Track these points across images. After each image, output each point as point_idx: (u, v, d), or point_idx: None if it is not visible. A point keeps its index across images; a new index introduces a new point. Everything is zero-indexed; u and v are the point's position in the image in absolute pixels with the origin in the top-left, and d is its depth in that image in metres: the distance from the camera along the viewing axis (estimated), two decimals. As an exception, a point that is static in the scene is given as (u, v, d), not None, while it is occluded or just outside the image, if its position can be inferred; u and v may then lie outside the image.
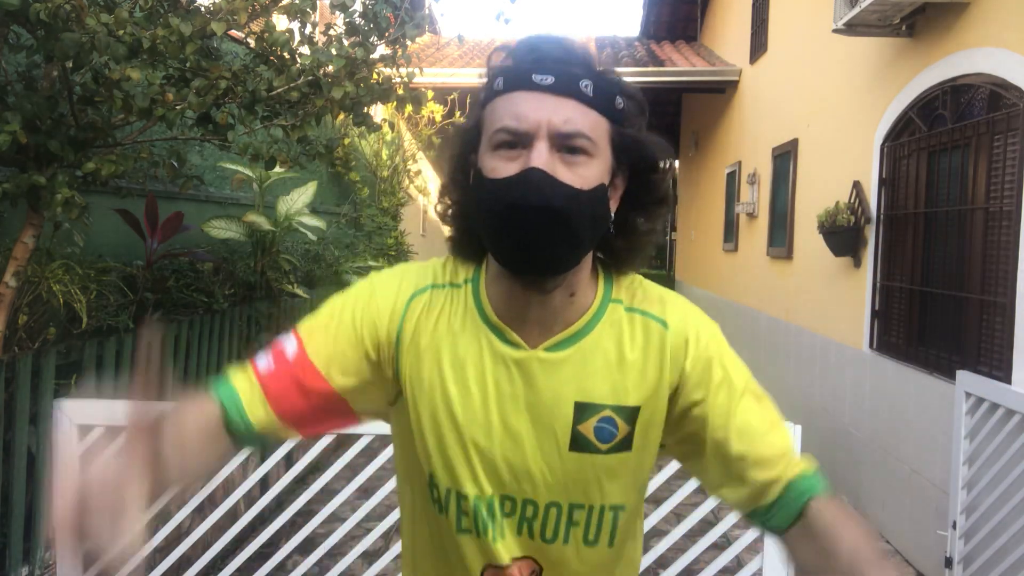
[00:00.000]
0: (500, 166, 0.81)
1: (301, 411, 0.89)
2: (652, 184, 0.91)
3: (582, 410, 0.89)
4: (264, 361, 0.89)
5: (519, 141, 0.81)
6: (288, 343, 0.90)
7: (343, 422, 0.96)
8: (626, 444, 0.91)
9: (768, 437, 0.90)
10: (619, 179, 0.89)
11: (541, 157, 0.79)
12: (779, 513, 0.89)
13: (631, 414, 0.90)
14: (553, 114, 0.80)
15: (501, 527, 0.91)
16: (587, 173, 0.82)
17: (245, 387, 0.87)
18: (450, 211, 0.94)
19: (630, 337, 0.91)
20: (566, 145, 0.81)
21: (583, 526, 0.92)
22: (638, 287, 0.96)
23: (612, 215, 0.88)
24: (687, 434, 0.93)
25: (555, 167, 0.80)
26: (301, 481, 3.19)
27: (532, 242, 0.80)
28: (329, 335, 0.90)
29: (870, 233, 4.29)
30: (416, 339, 0.90)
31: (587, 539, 0.93)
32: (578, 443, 0.89)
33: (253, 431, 0.87)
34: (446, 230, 0.97)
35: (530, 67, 0.82)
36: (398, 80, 2.82)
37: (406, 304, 0.92)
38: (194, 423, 0.84)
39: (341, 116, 2.69)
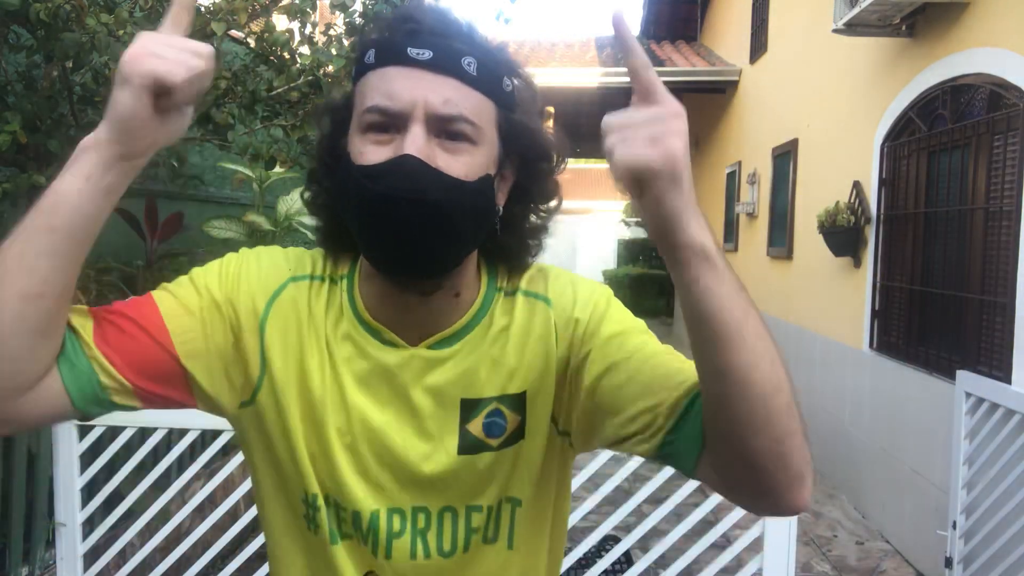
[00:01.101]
0: (369, 151, 0.71)
1: (131, 351, 0.73)
2: (542, 176, 0.82)
3: (469, 408, 0.81)
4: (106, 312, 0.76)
5: (391, 123, 0.71)
6: (140, 300, 0.77)
7: (178, 395, 0.78)
8: (518, 434, 0.83)
9: (656, 360, 0.76)
10: (508, 170, 0.80)
11: (416, 142, 0.70)
12: (682, 438, 0.72)
13: (518, 402, 0.82)
14: (430, 93, 0.70)
15: (388, 543, 0.81)
16: (470, 161, 0.72)
17: (85, 339, 0.73)
18: (319, 199, 0.83)
19: (513, 321, 0.83)
20: (445, 130, 0.71)
21: (482, 530, 0.84)
22: (528, 272, 0.87)
23: (500, 209, 0.79)
24: (584, 400, 0.80)
25: (433, 154, 0.70)
26: (301, 481, 3.18)
27: (405, 240, 0.71)
28: (185, 303, 0.77)
29: (870, 233, 4.29)
30: (285, 332, 0.79)
31: (485, 538, 0.84)
32: (467, 444, 0.81)
33: (97, 393, 0.72)
34: (312, 220, 0.86)
35: (405, 39, 0.72)
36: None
37: (281, 287, 0.80)
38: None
39: (341, 116, 2.68)
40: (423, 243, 0.71)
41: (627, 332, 0.81)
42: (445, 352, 0.81)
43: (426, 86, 0.71)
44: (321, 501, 0.81)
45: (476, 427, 0.82)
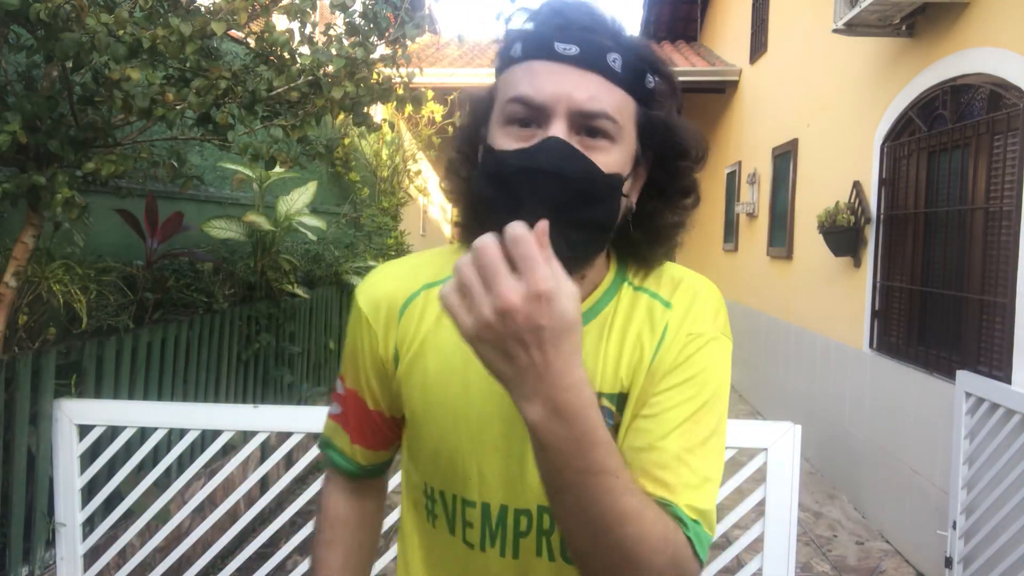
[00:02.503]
0: (510, 143, 0.72)
1: (386, 436, 0.94)
2: (678, 173, 0.82)
3: None
4: (333, 407, 0.96)
5: (534, 118, 0.72)
6: (338, 384, 0.95)
7: None
8: (615, 435, 0.81)
9: (682, 453, 0.75)
10: (642, 167, 0.80)
11: (559, 132, 0.70)
12: None
13: (622, 401, 0.81)
14: (575, 89, 0.70)
15: (503, 541, 0.83)
16: (607, 160, 0.72)
17: (337, 438, 0.95)
18: (458, 189, 0.84)
19: (635, 318, 0.83)
20: (587, 126, 0.71)
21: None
22: (659, 269, 0.87)
23: (633, 207, 0.80)
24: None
25: (574, 145, 0.71)
26: (301, 481, 3.19)
27: (539, 210, 0.68)
28: (355, 368, 0.91)
29: (870, 233, 4.29)
30: (413, 346, 0.85)
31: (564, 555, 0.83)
32: None
33: (366, 466, 0.96)
34: (451, 216, 0.90)
35: (553, 34, 0.72)
36: (398, 80, 2.82)
37: (399, 316, 0.86)
38: (338, 512, 0.97)
39: (341, 116, 2.69)
40: (555, 216, 0.67)
41: (692, 395, 0.78)
42: None
43: (572, 81, 0.71)
44: (439, 500, 0.87)
45: None
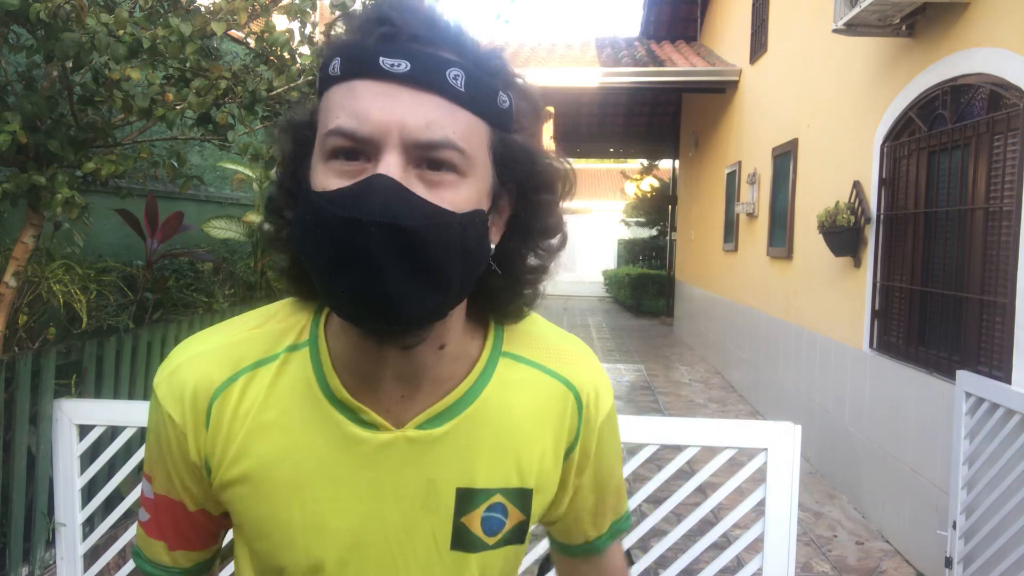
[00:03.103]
0: (333, 181, 0.59)
1: (211, 531, 0.79)
2: (541, 208, 0.69)
3: (466, 498, 0.71)
4: (142, 513, 0.79)
5: (361, 150, 0.59)
6: (145, 487, 0.78)
7: None
8: (518, 534, 0.75)
9: (617, 504, 0.87)
10: (504, 201, 0.68)
11: (391, 170, 0.57)
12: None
13: (525, 498, 0.73)
14: (409, 115, 0.58)
15: None
16: (456, 197, 0.60)
17: (149, 549, 0.78)
18: (281, 233, 0.69)
19: (525, 399, 0.73)
20: (427, 158, 0.59)
21: None
22: (533, 333, 0.77)
23: (492, 247, 0.67)
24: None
25: (411, 185, 0.58)
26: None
27: (375, 278, 0.57)
28: (165, 471, 0.75)
29: (870, 233, 4.29)
30: (230, 449, 0.70)
31: None
32: (461, 540, 0.72)
33: (191, 568, 0.80)
34: (280, 260, 0.73)
35: (378, 46, 0.59)
36: (398, 80, 2.81)
37: (207, 411, 0.70)
38: None
39: (341, 116, 2.69)
40: (395, 281, 0.57)
41: (604, 475, 0.84)
42: (438, 431, 0.70)
43: (403, 105, 0.58)
44: None
45: (473, 521, 0.72)
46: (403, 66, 0.58)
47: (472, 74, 0.61)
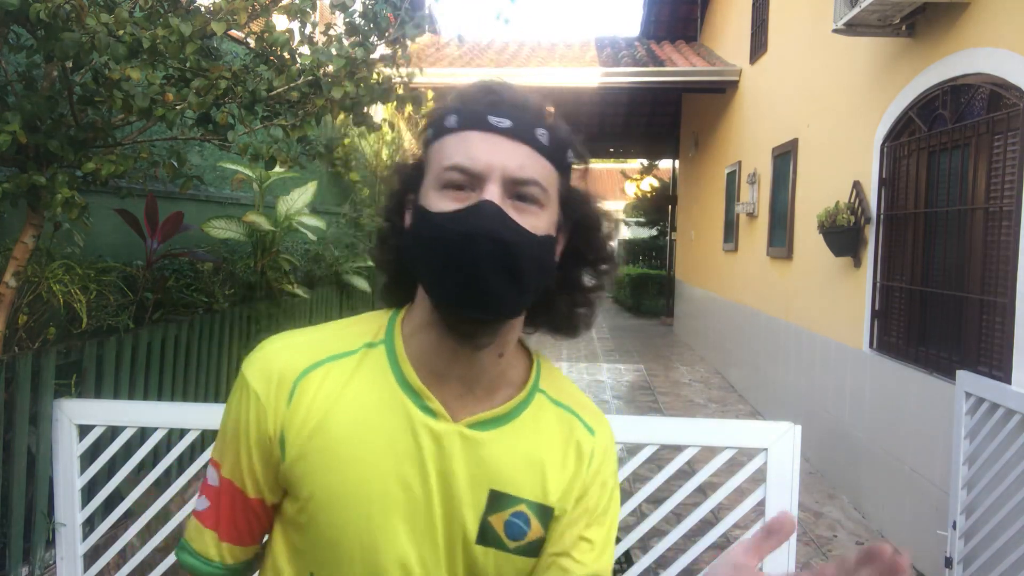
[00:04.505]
0: (446, 205, 0.75)
1: (262, 526, 0.87)
2: (597, 243, 0.88)
3: (496, 500, 0.82)
4: (200, 502, 0.87)
5: (469, 183, 0.75)
6: (210, 473, 0.87)
7: None
8: (535, 548, 0.84)
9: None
10: (562, 234, 0.85)
11: (493, 197, 0.74)
12: None
13: (546, 514, 0.83)
14: (508, 159, 0.75)
15: None
16: (537, 223, 0.77)
17: (199, 540, 0.86)
18: (386, 256, 0.88)
19: (556, 433, 0.86)
20: (518, 192, 0.76)
21: None
22: (561, 381, 0.92)
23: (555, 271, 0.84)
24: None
25: (506, 210, 0.75)
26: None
27: (480, 277, 0.73)
28: (235, 452, 0.84)
29: (870, 233, 4.29)
30: (308, 424, 0.81)
31: None
32: (486, 536, 0.81)
33: (233, 566, 0.87)
34: (381, 279, 0.91)
35: (486, 109, 0.78)
36: (398, 80, 2.82)
37: (291, 390, 0.81)
38: None
39: (341, 116, 2.69)
40: (495, 282, 0.74)
41: (603, 533, 0.87)
42: (485, 435, 0.82)
43: (504, 151, 0.76)
44: None
45: (498, 522, 0.82)
46: (505, 123, 0.77)
47: (553, 134, 0.80)
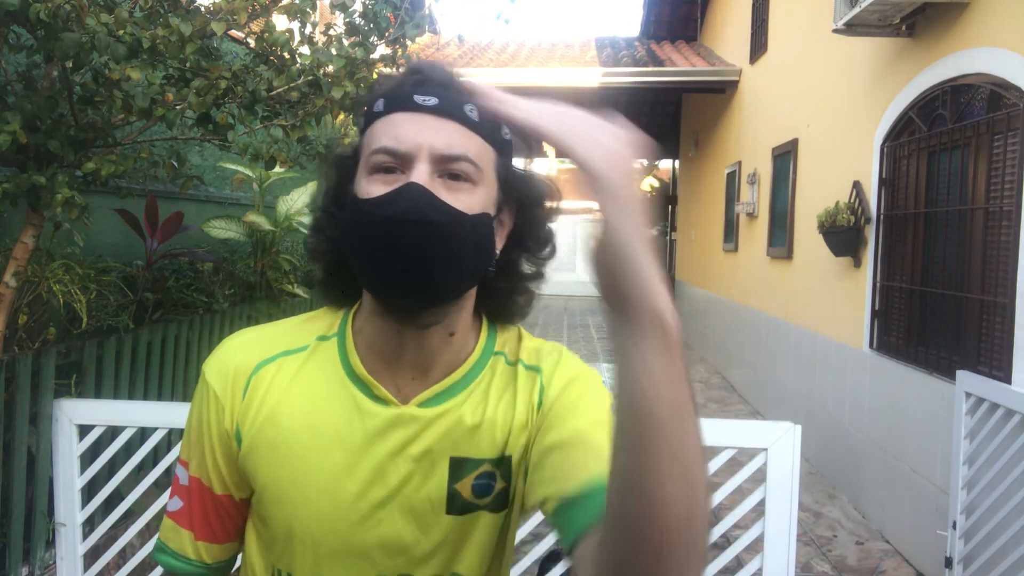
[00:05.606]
0: (376, 189, 0.74)
1: (235, 523, 0.88)
2: (536, 222, 0.85)
3: (459, 466, 0.82)
4: (173, 502, 0.88)
5: (398, 165, 0.74)
6: (180, 473, 0.88)
7: None
8: (503, 499, 0.84)
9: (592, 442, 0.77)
10: (505, 215, 0.83)
11: (421, 177, 0.73)
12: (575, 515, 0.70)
13: (505, 464, 0.83)
14: (435, 136, 0.74)
15: None
16: (470, 200, 0.75)
17: (176, 540, 0.87)
18: (321, 247, 0.85)
19: (509, 390, 0.85)
20: (448, 170, 0.74)
21: None
22: (521, 340, 0.90)
23: (497, 253, 0.82)
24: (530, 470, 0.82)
25: (436, 190, 0.73)
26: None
27: (409, 262, 0.72)
28: (200, 450, 0.85)
29: (870, 233, 4.29)
30: (260, 416, 0.82)
31: None
32: (455, 504, 0.82)
33: (212, 565, 0.88)
34: (317, 271, 0.89)
35: (412, 88, 0.76)
36: (398, 80, 2.81)
37: (246, 384, 0.83)
38: None
39: (341, 116, 2.69)
40: (426, 266, 0.72)
41: (589, 429, 0.78)
42: (436, 410, 0.82)
43: (432, 130, 0.74)
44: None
45: (465, 487, 0.82)
46: (431, 101, 0.75)
47: (483, 110, 0.70)
